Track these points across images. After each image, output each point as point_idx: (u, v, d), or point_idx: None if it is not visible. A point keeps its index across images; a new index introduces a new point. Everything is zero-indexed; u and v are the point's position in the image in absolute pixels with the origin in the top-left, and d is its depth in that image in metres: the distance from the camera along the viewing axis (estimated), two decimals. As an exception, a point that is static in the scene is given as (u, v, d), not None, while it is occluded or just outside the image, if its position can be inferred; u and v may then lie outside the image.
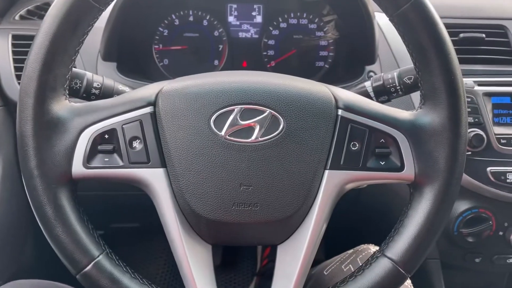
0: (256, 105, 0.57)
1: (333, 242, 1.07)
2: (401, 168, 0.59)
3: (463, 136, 0.58)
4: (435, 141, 0.57)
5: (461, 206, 0.93)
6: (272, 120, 0.57)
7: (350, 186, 0.60)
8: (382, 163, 0.59)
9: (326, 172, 0.58)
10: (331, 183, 0.58)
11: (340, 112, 0.58)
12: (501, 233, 0.94)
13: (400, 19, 0.57)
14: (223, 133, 0.56)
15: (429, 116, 0.58)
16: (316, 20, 1.04)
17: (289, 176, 0.57)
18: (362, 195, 1.03)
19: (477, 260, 0.98)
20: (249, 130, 0.56)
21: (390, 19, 0.59)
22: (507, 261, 0.97)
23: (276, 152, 0.56)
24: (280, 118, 0.57)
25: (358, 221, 1.23)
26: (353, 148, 0.58)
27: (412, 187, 0.60)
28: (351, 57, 1.02)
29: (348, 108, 0.59)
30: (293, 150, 0.57)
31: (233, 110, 0.56)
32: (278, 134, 0.56)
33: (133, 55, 1.00)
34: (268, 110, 0.57)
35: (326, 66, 1.06)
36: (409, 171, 0.59)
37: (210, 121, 0.56)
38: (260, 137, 0.56)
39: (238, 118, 0.56)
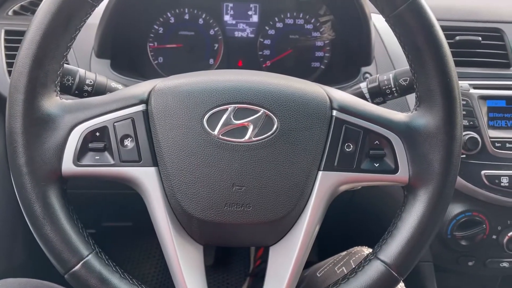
0: (250, 104, 0.56)
1: (326, 244, 1.06)
2: (395, 170, 0.58)
3: (458, 139, 0.57)
4: (429, 143, 0.57)
5: (455, 209, 0.93)
6: (266, 120, 0.56)
7: (344, 187, 0.59)
8: (376, 165, 0.59)
9: (320, 173, 0.57)
10: (325, 184, 0.57)
11: (334, 113, 0.58)
12: (494, 236, 0.94)
13: (396, 20, 0.57)
14: (216, 132, 0.55)
15: (424, 118, 0.58)
16: (312, 21, 1.03)
17: (282, 177, 0.56)
18: (356, 196, 1.03)
19: (470, 263, 0.97)
20: (243, 129, 0.56)
21: (386, 20, 0.58)
22: (500, 265, 0.97)
23: (270, 153, 0.56)
24: (274, 118, 0.56)
25: (352, 223, 1.23)
26: (347, 150, 0.58)
27: (406, 190, 0.60)
28: (347, 58, 1.02)
29: (343, 109, 0.58)
30: (287, 151, 0.56)
31: (227, 109, 0.56)
32: (271, 134, 0.56)
33: (127, 53, 0.99)
34: (262, 110, 0.56)
35: (322, 67, 1.05)
36: (403, 174, 0.58)
37: (203, 120, 0.55)
38: (254, 137, 0.56)
39: (232, 118, 0.56)
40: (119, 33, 0.93)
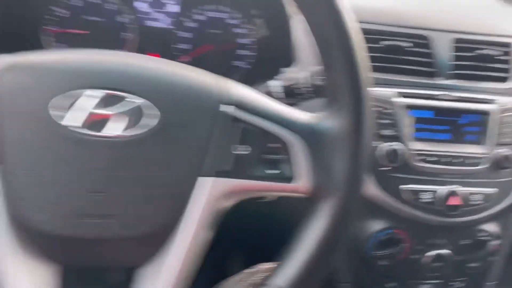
0: (119, 91, 0.46)
1: (223, 261, 0.96)
2: (293, 178, 0.50)
3: (365, 147, 0.50)
4: (334, 149, 0.49)
5: (375, 225, 0.86)
6: (138, 111, 0.46)
7: (233, 197, 0.50)
8: (273, 172, 0.50)
9: (203, 179, 0.47)
10: (206, 193, 0.47)
11: (223, 107, 0.48)
12: (415, 256, 0.88)
13: (306, 7, 0.49)
14: (71, 123, 0.44)
15: (331, 120, 0.50)
16: (237, 16, 0.95)
17: (155, 182, 0.46)
18: (263, 208, 0.93)
19: (390, 285, 0.91)
20: (107, 122, 0.45)
21: (298, 8, 0.51)
22: (421, 287, 0.91)
23: (141, 152, 0.46)
24: (150, 110, 0.46)
25: (253, 237, 1.13)
26: (237, 152, 0.48)
27: (307, 201, 0.52)
28: (270, 58, 0.94)
29: (239, 105, 0.49)
30: (163, 151, 0.46)
31: (88, 95, 0.45)
32: (145, 129, 0.46)
33: (16, 39, 0.86)
34: (135, 99, 0.46)
35: (245, 66, 0.97)
36: (303, 183, 0.50)
37: (50, 107, 0.44)
38: (122, 132, 0.45)
39: (94, 106, 0.45)
40: (5, 14, 0.80)
